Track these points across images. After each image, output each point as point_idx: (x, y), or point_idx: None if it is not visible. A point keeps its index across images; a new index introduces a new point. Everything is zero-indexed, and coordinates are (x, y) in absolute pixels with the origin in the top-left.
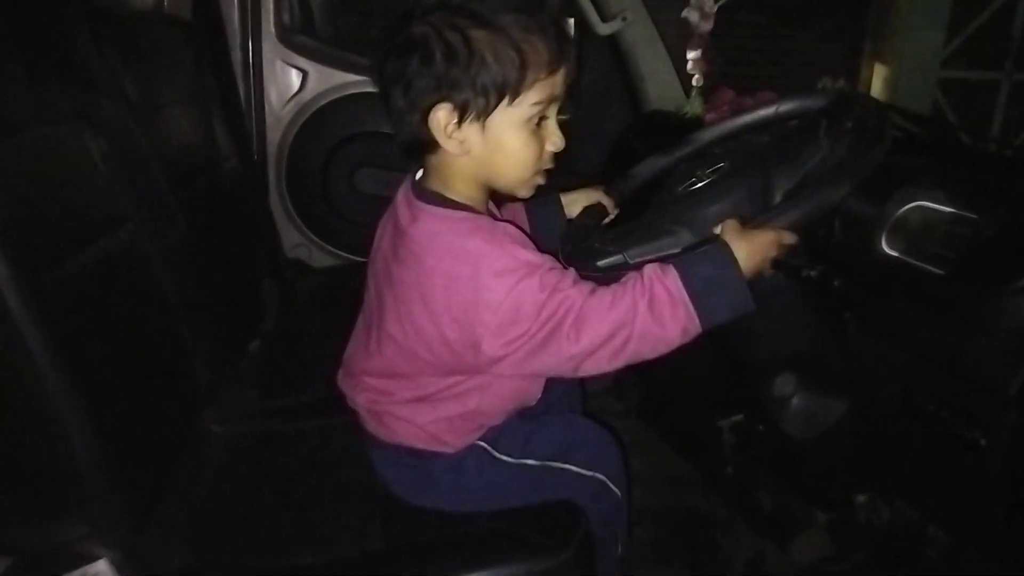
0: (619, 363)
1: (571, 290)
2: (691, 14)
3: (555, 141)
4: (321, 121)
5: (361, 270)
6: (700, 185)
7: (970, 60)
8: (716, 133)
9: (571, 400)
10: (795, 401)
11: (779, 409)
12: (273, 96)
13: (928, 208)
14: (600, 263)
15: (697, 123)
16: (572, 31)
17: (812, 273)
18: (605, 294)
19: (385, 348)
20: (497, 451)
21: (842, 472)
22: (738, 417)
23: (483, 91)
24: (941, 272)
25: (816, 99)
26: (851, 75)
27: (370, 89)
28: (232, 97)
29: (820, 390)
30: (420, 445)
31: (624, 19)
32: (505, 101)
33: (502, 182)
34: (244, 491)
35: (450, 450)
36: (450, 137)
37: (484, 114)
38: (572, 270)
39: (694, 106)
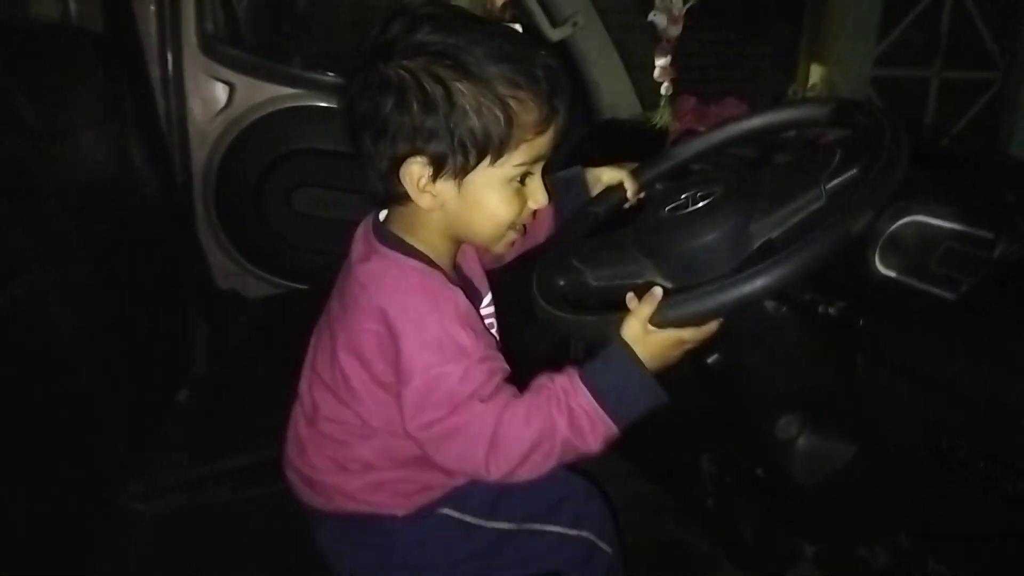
0: (541, 472)
1: (487, 405)
2: (658, 18)
3: (538, 199)
4: (252, 138)
5: (303, 299)
6: (681, 213)
7: (901, 58)
8: (734, 133)
9: None
10: (800, 443)
11: (783, 452)
12: (198, 112)
13: (924, 223)
14: (562, 282)
15: (664, 134)
16: (566, 84)
17: (831, 310)
18: (519, 407)
19: (314, 389)
20: (464, 513)
21: (850, 519)
22: (716, 451)
23: (462, 148)
24: (952, 296)
25: (814, 108)
26: (789, 77)
27: (306, 103)
28: (150, 115)
29: (827, 431)
30: (363, 509)
31: (575, 24)
32: (486, 161)
33: (475, 239)
34: None
35: (400, 513)
36: (422, 191)
37: (462, 172)
38: (498, 374)
39: (663, 116)
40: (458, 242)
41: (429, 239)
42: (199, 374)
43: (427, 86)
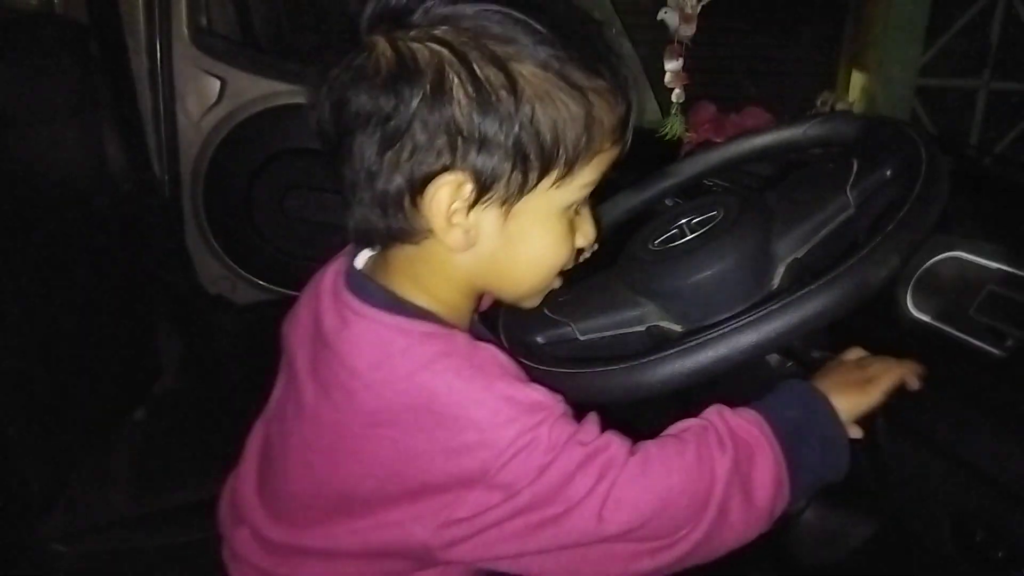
0: (672, 556)
1: (600, 441)
2: (669, 16)
3: (588, 233)
4: (244, 136)
5: (291, 307)
6: (679, 243)
7: (948, 67)
8: (709, 162)
9: None
10: (807, 517)
11: (786, 526)
12: (191, 107)
13: (966, 261)
14: (539, 338)
15: (678, 144)
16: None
17: (816, 355)
18: (660, 449)
19: (283, 508)
20: None
21: None
22: None
23: (522, 160)
24: (995, 352)
25: (840, 124)
26: (829, 84)
27: (301, 100)
28: (131, 109)
29: (839, 506)
30: None
31: None
32: (550, 179)
33: (509, 292)
34: None
35: None
36: (452, 224)
37: (515, 195)
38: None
39: (674, 126)
40: (479, 295)
41: (441, 293)
42: (164, 390)
43: (479, 68)
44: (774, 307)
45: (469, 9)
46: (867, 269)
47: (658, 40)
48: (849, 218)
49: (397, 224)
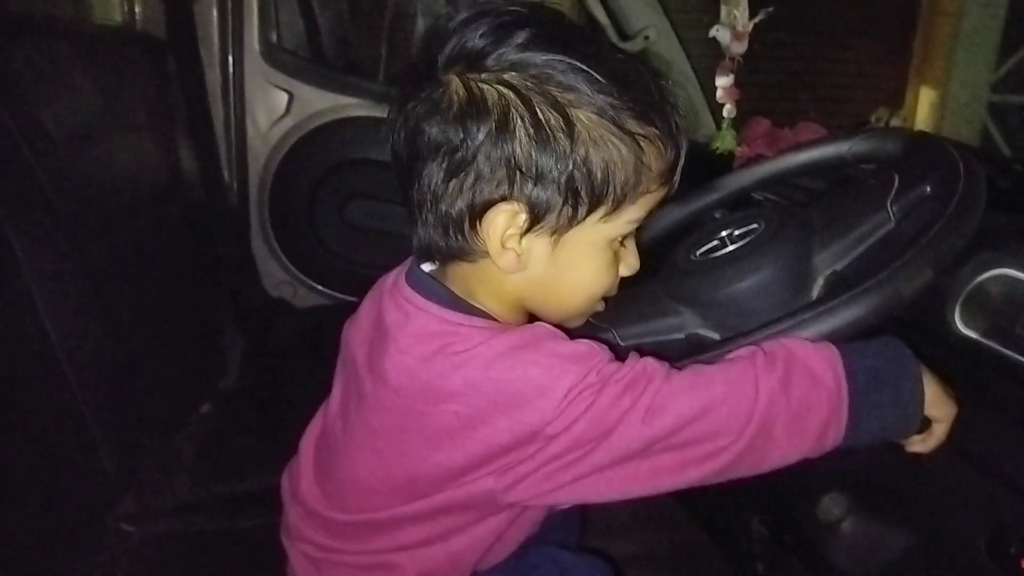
0: (715, 465)
1: (637, 365)
2: (721, 33)
3: (631, 263)
4: (308, 147)
5: (351, 311)
6: (720, 254)
7: (1021, 84)
8: (754, 177)
9: (566, 528)
10: (845, 527)
11: (824, 536)
12: (260, 119)
13: (1019, 280)
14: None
15: (730, 159)
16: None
17: None
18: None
19: (346, 493)
20: None
21: None
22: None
23: (573, 195)
24: None
25: (884, 141)
26: (896, 101)
27: (363, 113)
28: (205, 122)
29: (879, 517)
30: None
31: (647, 38)
32: (598, 214)
33: (554, 313)
34: None
35: None
36: (505, 248)
37: (565, 227)
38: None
39: (726, 140)
40: (527, 315)
41: (492, 308)
42: (228, 386)
43: (541, 111)
44: (807, 316)
45: (537, 58)
46: (900, 281)
47: (717, 55)
48: (889, 233)
49: (456, 244)
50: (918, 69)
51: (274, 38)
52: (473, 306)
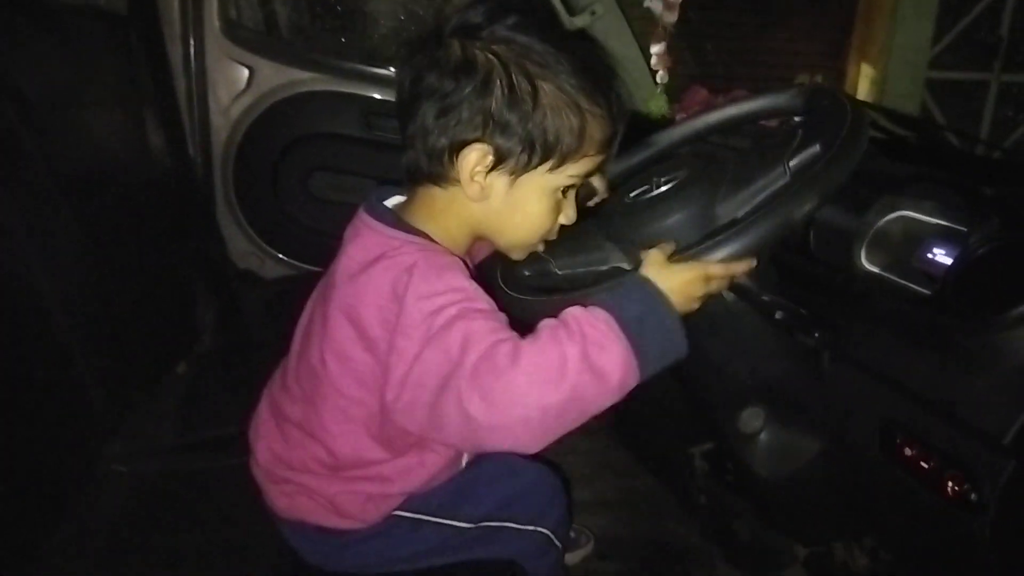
0: (540, 436)
1: (478, 323)
2: (654, 4)
3: (569, 215)
4: (271, 121)
5: (316, 281)
6: (645, 197)
7: (958, 60)
8: (686, 131)
9: None
10: (763, 437)
11: (746, 445)
12: (221, 94)
13: (913, 219)
14: (526, 271)
15: (663, 123)
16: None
17: (778, 315)
18: (523, 345)
19: (302, 381)
20: (424, 514)
21: (815, 515)
22: (709, 445)
23: (530, 147)
24: (928, 293)
25: (788, 96)
26: (836, 75)
27: (324, 88)
28: (169, 96)
29: (791, 426)
30: (326, 523)
31: (593, 13)
32: (547, 165)
33: (503, 240)
34: (141, 539)
35: (363, 526)
36: (473, 180)
37: (520, 170)
38: (503, 322)
39: (659, 104)
40: (477, 239)
41: (451, 229)
42: (202, 350)
43: (515, 78)
44: (721, 237)
45: (521, 38)
46: (790, 207)
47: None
48: (784, 186)
49: (436, 170)
50: (858, 45)
51: (234, 15)
52: (415, 228)
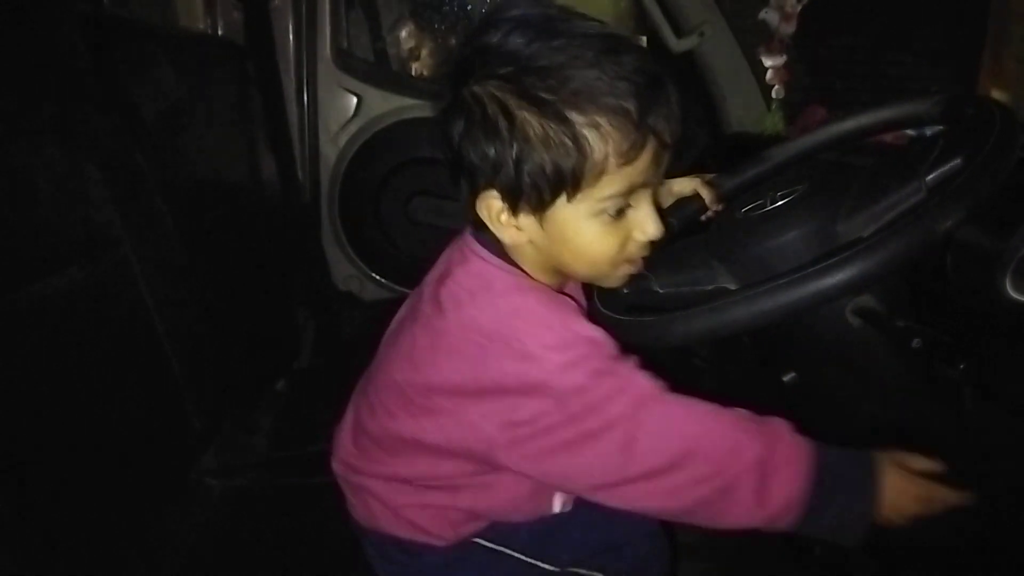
0: (674, 504)
1: (634, 375)
2: (770, 15)
3: (647, 230)
4: (376, 147)
5: None
6: (758, 213)
7: None
8: (809, 143)
9: None
10: None
11: None
12: (331, 121)
13: None
14: (626, 290)
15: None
16: (666, 96)
17: (915, 344)
18: (691, 402)
19: (383, 396)
20: (508, 548)
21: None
22: None
23: (533, 184)
24: None
25: (923, 105)
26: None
27: (425, 114)
28: (280, 123)
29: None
30: (401, 534)
31: (702, 34)
32: (562, 198)
33: (575, 274)
34: (225, 554)
35: (439, 543)
36: (505, 225)
37: (539, 207)
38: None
39: (774, 121)
40: (560, 276)
41: (533, 272)
42: (301, 367)
43: (490, 114)
44: (847, 253)
45: (507, 59)
46: (932, 219)
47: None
48: (919, 203)
49: (477, 221)
50: (989, 69)
51: (344, 44)
52: (518, 266)
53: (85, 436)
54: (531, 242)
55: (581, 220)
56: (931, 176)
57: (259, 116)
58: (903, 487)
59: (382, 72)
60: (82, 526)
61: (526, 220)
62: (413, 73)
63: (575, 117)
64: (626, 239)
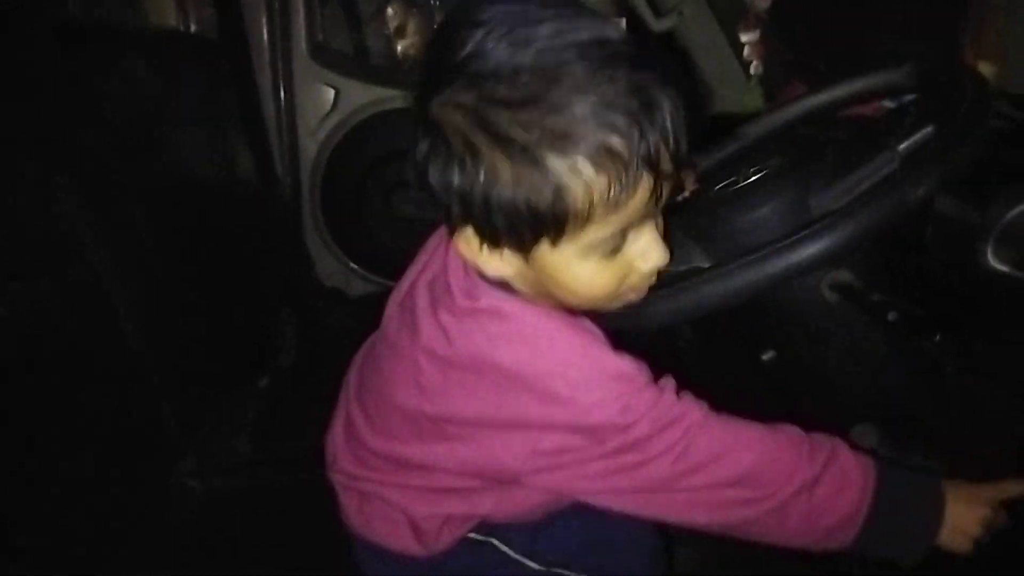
0: (720, 519)
1: (672, 407)
2: None
3: (651, 259)
4: (356, 140)
5: None
6: (730, 190)
7: None
8: (787, 115)
9: None
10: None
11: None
12: (308, 115)
13: None
14: None
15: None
16: (667, 110)
17: (891, 317)
18: (744, 426)
19: (386, 413)
20: (493, 539)
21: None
22: None
23: (508, 225)
24: None
25: (895, 74)
26: None
27: (405, 104)
28: (256, 118)
29: (911, 446)
30: (398, 547)
31: (681, 13)
32: (546, 242)
33: (576, 304)
34: (207, 557)
35: (426, 553)
36: (486, 258)
37: (520, 249)
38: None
39: (753, 97)
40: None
41: (533, 298)
42: (284, 365)
43: (454, 146)
44: (819, 225)
45: (469, 98)
46: (904, 188)
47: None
48: (890, 174)
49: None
50: (972, 42)
51: (320, 37)
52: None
53: (61, 443)
54: (519, 275)
55: (572, 261)
56: (904, 145)
57: (235, 113)
58: (966, 511)
59: (360, 64)
60: (61, 532)
61: (511, 256)
62: (399, 52)
63: (553, 163)
64: (627, 272)
